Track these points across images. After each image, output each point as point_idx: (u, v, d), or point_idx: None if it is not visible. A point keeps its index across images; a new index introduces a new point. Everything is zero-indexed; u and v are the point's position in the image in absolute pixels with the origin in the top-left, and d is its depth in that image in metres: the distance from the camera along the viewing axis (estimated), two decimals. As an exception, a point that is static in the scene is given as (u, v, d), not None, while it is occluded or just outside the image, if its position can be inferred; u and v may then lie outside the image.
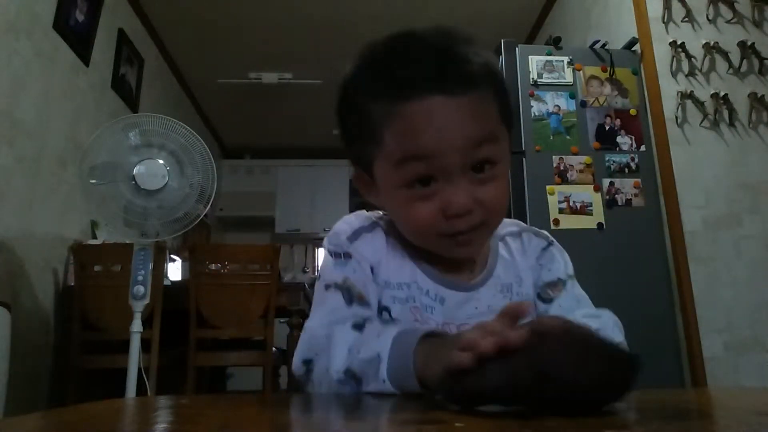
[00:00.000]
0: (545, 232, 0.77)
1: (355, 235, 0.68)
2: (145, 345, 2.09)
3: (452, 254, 0.66)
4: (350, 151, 0.68)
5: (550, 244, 0.76)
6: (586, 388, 0.35)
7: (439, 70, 0.58)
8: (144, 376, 1.92)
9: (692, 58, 2.47)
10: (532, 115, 2.40)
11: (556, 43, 2.53)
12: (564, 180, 2.33)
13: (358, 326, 0.59)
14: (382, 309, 0.66)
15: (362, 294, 0.64)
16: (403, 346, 0.51)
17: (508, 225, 0.76)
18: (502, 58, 2.44)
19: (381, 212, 0.72)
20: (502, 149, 0.63)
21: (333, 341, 0.58)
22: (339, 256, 0.67)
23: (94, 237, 2.86)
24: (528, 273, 0.73)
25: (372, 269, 0.67)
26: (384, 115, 0.60)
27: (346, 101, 0.65)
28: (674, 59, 2.46)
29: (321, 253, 0.74)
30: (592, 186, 2.33)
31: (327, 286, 0.66)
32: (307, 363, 0.61)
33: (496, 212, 0.64)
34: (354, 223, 0.70)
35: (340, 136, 0.69)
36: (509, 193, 0.69)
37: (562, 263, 0.75)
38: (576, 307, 0.71)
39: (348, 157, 0.69)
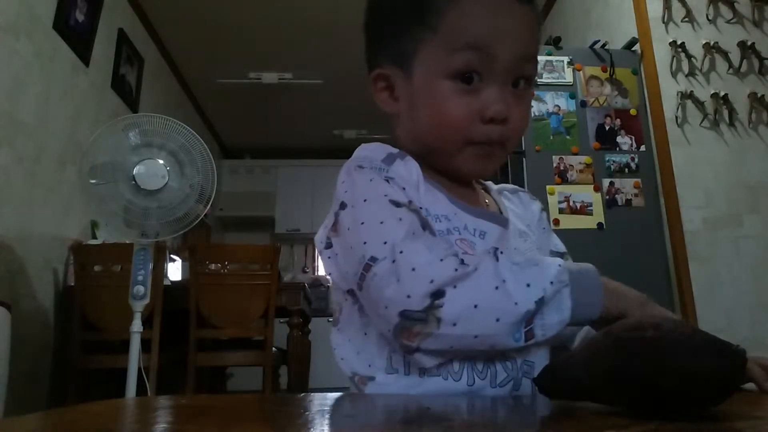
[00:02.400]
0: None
1: (389, 159, 0.62)
2: (145, 345, 2.09)
3: (470, 168, 0.64)
4: (386, 47, 0.65)
5: (543, 209, 0.79)
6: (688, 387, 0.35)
7: None
8: (144, 376, 1.92)
9: (692, 58, 2.47)
10: (532, 115, 2.40)
11: (556, 43, 2.53)
12: (564, 180, 2.33)
13: (494, 255, 0.54)
14: None
15: (427, 220, 0.57)
16: (582, 278, 0.54)
17: (498, 185, 0.77)
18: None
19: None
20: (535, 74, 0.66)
21: (497, 269, 0.52)
22: (382, 171, 0.60)
23: (94, 237, 2.86)
24: (533, 228, 0.73)
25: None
26: None
27: None
28: (674, 59, 2.46)
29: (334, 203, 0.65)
30: (592, 186, 2.33)
31: (397, 204, 0.56)
32: (437, 295, 0.49)
33: (516, 134, 0.63)
34: (384, 148, 0.64)
35: (374, 35, 0.67)
36: None
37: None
38: None
39: (378, 58, 0.67)
